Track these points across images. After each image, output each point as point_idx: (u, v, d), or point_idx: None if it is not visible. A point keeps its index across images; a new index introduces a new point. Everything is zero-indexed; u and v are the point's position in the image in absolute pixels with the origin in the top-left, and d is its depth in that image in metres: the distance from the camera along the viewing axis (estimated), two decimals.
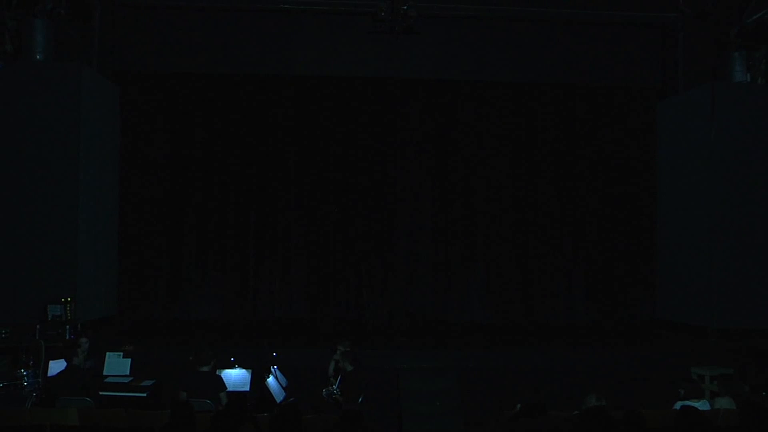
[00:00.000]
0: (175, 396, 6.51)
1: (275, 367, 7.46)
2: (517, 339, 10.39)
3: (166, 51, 10.73)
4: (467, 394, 8.34)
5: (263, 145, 11.12)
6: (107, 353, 7.54)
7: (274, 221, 11.11)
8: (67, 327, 8.11)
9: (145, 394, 6.99)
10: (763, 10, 9.49)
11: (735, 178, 9.60)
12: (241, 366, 7.48)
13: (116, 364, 7.45)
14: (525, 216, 11.30)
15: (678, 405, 5.98)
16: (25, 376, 7.06)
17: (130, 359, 7.48)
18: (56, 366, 7.26)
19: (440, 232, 11.26)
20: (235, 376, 7.39)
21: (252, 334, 10.17)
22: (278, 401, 7.02)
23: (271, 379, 7.27)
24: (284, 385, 7.46)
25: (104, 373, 7.37)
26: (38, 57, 9.19)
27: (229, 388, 6.99)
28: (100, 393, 6.81)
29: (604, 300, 11.20)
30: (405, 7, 9.17)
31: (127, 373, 7.40)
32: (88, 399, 6.40)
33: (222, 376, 7.15)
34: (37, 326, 7.99)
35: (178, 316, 10.81)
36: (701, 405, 6.15)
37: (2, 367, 7.59)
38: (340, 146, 11.20)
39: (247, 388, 7.33)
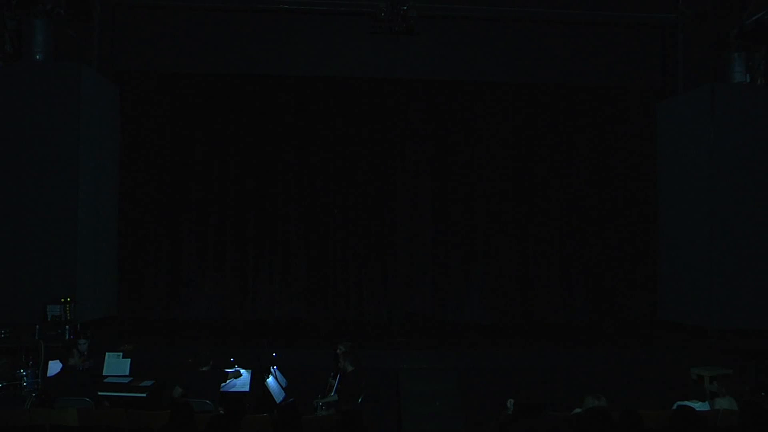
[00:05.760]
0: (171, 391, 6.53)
1: (275, 367, 7.47)
2: (516, 339, 10.39)
3: (166, 51, 10.73)
4: (467, 394, 8.34)
5: (263, 145, 11.10)
6: (107, 353, 7.55)
7: (274, 221, 11.10)
8: (67, 327, 8.10)
9: (144, 395, 6.99)
10: (763, 11, 9.49)
11: (735, 178, 9.59)
12: (241, 366, 7.49)
13: (116, 365, 7.45)
14: (524, 216, 11.28)
15: (677, 405, 5.98)
16: (25, 376, 7.06)
17: (129, 359, 7.48)
18: (56, 366, 7.27)
19: (440, 232, 11.24)
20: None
21: (251, 335, 10.17)
22: (278, 401, 7.03)
23: (270, 380, 7.28)
24: (284, 385, 7.47)
25: (104, 373, 7.37)
26: (38, 57, 9.17)
27: (230, 389, 7.00)
28: (100, 393, 6.81)
29: (604, 300, 11.18)
30: (405, 8, 9.18)
31: (127, 373, 7.39)
32: (87, 399, 6.40)
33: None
34: (37, 326, 7.99)
35: (177, 316, 10.78)
36: (701, 405, 6.15)
37: (2, 367, 7.59)
38: (339, 146, 11.19)
39: (246, 388, 7.33)
